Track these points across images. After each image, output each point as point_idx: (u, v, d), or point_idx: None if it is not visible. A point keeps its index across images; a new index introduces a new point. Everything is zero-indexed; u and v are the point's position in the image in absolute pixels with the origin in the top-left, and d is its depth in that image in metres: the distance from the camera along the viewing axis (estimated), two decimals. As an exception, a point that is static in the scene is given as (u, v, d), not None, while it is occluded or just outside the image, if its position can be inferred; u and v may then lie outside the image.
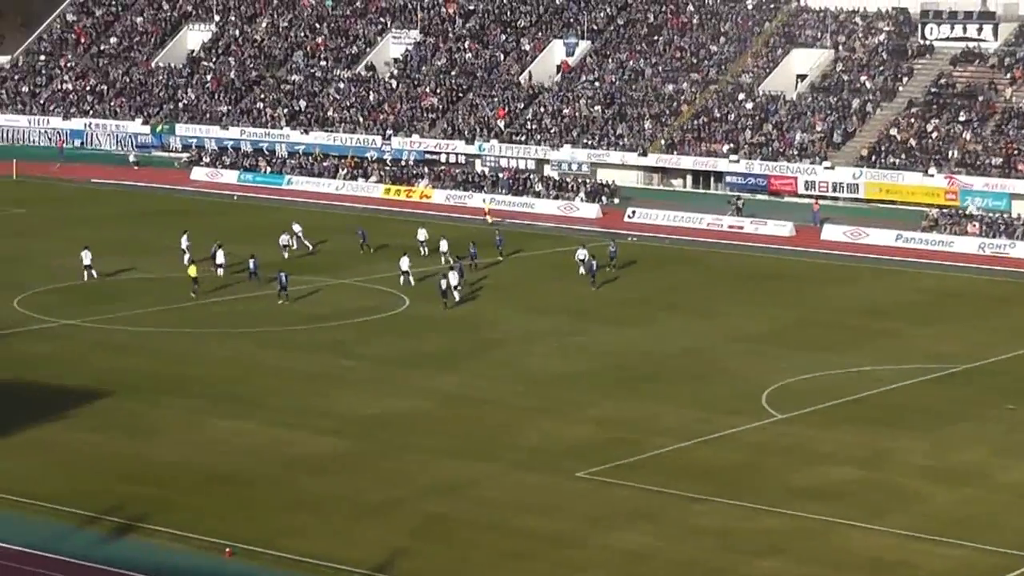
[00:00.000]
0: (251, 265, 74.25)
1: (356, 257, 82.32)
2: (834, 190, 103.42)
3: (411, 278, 74.63)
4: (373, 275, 77.40)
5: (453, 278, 71.12)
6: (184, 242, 78.80)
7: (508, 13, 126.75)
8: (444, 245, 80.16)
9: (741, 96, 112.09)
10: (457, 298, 70.86)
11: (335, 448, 49.95)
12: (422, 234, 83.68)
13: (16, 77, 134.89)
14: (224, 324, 67.04)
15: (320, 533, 42.46)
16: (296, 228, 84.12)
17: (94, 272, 74.61)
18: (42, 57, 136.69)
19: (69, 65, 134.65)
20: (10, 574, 39.32)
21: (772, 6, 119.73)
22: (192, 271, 72.33)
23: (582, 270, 76.86)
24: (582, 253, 77.92)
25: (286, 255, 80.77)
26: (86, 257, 74.85)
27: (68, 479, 46.37)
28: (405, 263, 75.18)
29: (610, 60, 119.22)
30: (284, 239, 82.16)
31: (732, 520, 43.97)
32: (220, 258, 75.69)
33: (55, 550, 40.76)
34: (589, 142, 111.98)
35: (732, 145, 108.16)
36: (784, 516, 44.22)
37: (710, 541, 42.34)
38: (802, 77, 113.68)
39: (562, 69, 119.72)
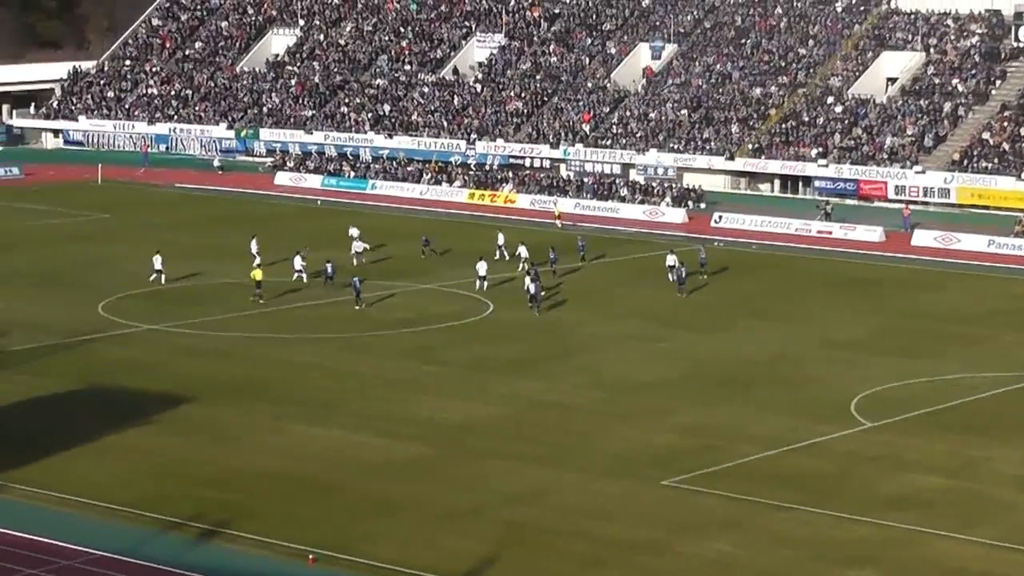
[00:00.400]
0: (328, 269, 74.11)
1: (438, 262, 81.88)
2: (925, 195, 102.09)
3: (485, 283, 74.26)
4: (458, 280, 76.95)
5: (533, 284, 70.89)
6: (253, 246, 78.83)
7: (593, 16, 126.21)
8: (524, 251, 79.48)
9: (830, 99, 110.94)
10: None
11: (417, 454, 49.67)
12: (501, 239, 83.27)
13: (102, 82, 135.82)
14: (306, 329, 66.95)
15: (401, 539, 42.21)
16: (353, 232, 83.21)
17: (163, 277, 74.58)
18: (127, 62, 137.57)
19: (154, 70, 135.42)
20: (93, 579, 39.48)
21: (862, 8, 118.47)
22: (257, 275, 72.17)
23: (671, 277, 75.89)
24: (672, 259, 76.91)
25: (363, 261, 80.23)
26: (157, 262, 74.98)
27: (151, 484, 46.44)
28: (482, 268, 74.81)
29: (697, 63, 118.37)
30: (357, 246, 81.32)
31: (819, 529, 43.35)
32: (298, 263, 75.47)
33: (139, 555, 40.76)
34: (675, 146, 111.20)
35: (821, 149, 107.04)
36: (873, 525, 43.56)
37: (797, 550, 41.73)
38: (892, 80, 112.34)
39: (646, 74, 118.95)
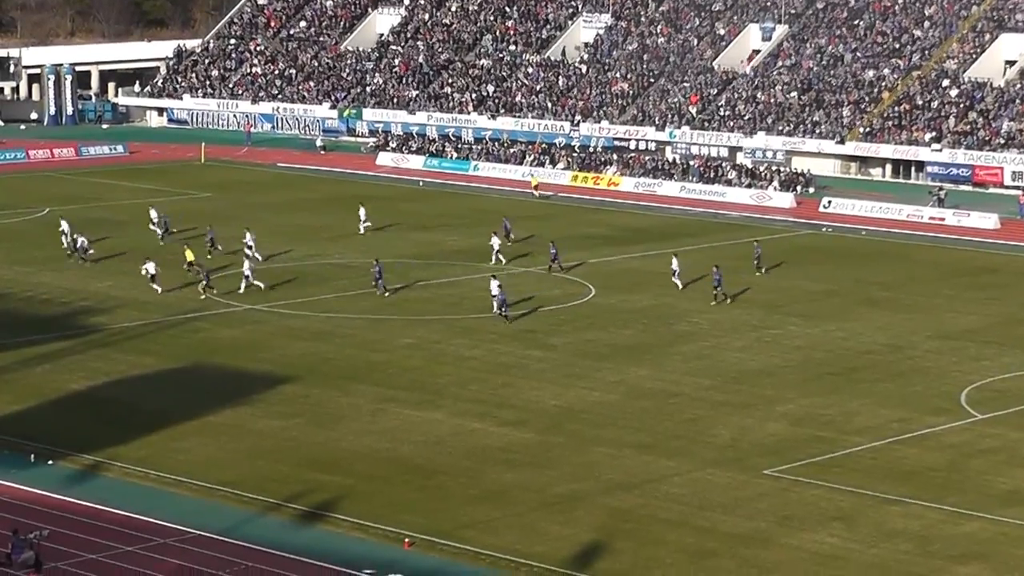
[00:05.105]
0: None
1: (528, 245, 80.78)
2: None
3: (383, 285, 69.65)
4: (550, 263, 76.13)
5: (495, 287, 65.01)
6: (153, 216, 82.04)
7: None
8: (495, 242, 75.30)
9: (945, 83, 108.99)
10: (496, 310, 64.92)
11: (521, 440, 49.14)
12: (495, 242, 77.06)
13: (206, 61, 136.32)
14: (408, 311, 66.54)
15: (502, 526, 41.71)
16: (208, 233, 78.74)
17: (257, 256, 73.69)
18: (232, 41, 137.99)
19: (258, 49, 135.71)
20: (194, 559, 39.16)
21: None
22: (188, 255, 71.82)
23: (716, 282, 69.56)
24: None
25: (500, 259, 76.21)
26: (248, 238, 74.19)
27: (252, 464, 46.30)
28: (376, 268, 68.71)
29: (808, 45, 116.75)
30: (495, 242, 76.15)
31: (930, 523, 42.39)
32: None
33: (238, 535, 40.63)
34: (784, 129, 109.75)
35: (935, 133, 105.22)
36: (984, 520, 42.57)
37: (906, 544, 40.81)
38: (1011, 63, 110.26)
39: (742, 64, 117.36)
